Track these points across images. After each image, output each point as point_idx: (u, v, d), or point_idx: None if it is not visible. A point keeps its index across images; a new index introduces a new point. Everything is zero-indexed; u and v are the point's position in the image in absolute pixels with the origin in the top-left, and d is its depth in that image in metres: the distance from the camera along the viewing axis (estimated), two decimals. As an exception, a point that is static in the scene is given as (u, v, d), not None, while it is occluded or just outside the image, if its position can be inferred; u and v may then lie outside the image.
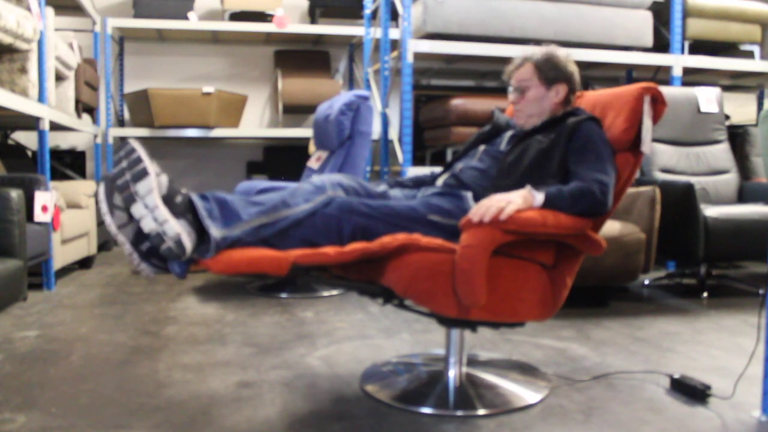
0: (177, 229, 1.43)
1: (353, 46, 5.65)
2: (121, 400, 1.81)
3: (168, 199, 1.48)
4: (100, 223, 4.15)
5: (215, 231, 1.48)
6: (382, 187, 1.98)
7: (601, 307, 3.01)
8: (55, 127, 3.86)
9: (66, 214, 3.50)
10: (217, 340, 2.42)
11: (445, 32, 3.80)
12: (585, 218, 1.71)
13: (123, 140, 5.34)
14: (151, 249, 1.50)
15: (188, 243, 1.45)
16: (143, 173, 1.48)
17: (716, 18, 4.40)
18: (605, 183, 1.73)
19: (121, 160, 1.53)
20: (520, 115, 2.01)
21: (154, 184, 1.47)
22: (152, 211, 1.45)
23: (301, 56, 5.50)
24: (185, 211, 1.49)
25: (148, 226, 1.45)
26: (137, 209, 1.46)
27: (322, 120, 3.63)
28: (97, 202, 3.97)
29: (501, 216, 1.56)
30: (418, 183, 2.08)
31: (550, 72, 1.96)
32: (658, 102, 1.87)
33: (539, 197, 1.66)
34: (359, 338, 2.47)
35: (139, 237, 1.50)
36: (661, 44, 4.37)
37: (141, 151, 1.51)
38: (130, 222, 1.50)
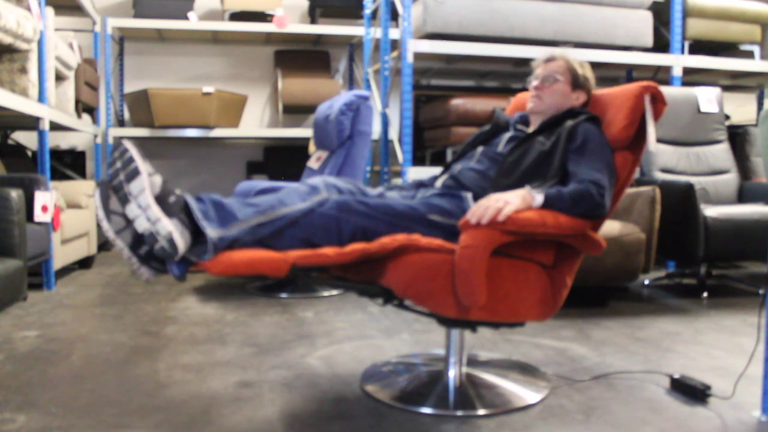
0: (169, 227, 1.44)
1: (353, 46, 5.65)
2: (121, 400, 1.81)
3: (161, 199, 1.48)
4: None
5: (211, 231, 1.48)
6: (378, 190, 1.98)
7: (601, 307, 3.01)
8: (55, 127, 3.86)
9: (66, 214, 3.50)
10: (217, 340, 2.42)
11: (445, 32, 3.80)
12: (583, 220, 1.71)
13: (122, 140, 5.34)
14: (150, 252, 1.50)
15: (180, 242, 1.44)
16: (135, 172, 1.48)
17: (716, 18, 4.40)
18: (602, 185, 1.73)
19: (116, 161, 1.54)
20: (539, 103, 2.04)
21: (146, 183, 1.47)
22: (145, 210, 1.45)
23: (301, 56, 5.50)
24: (179, 210, 1.49)
25: (141, 226, 1.45)
26: (131, 209, 1.46)
27: (322, 120, 3.63)
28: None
29: (499, 217, 1.56)
30: (417, 185, 2.08)
31: (580, 77, 2.04)
32: (657, 101, 1.87)
33: (539, 198, 1.66)
34: (359, 338, 2.47)
35: (136, 241, 1.50)
36: (661, 44, 4.37)
37: (133, 151, 1.52)
38: (127, 226, 1.50)
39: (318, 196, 1.67)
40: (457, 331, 1.91)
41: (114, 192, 1.50)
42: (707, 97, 3.76)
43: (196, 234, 1.50)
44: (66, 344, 2.35)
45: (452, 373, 1.92)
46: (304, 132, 4.99)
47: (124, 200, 1.48)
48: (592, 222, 1.75)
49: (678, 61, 4.22)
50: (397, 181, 4.10)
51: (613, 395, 1.88)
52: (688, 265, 3.61)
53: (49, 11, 3.50)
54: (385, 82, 4.27)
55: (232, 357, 2.22)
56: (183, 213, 1.50)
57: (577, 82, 2.03)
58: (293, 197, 1.64)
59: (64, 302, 3.04)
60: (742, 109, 5.78)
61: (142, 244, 1.50)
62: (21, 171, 3.70)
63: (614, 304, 3.07)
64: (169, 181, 1.55)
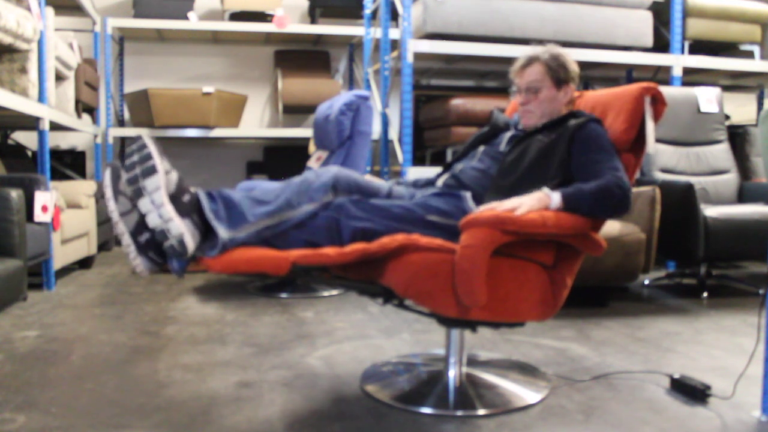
0: (181, 229, 1.44)
1: (353, 46, 5.65)
2: (121, 400, 1.81)
3: (175, 198, 1.49)
4: (100, 223, 4.14)
5: (223, 232, 1.49)
6: (387, 185, 1.96)
7: (601, 307, 3.01)
8: (55, 127, 3.86)
9: (66, 214, 3.50)
10: (217, 340, 2.42)
11: (445, 32, 3.80)
12: (606, 218, 1.72)
13: (123, 140, 5.34)
14: (150, 241, 1.50)
15: (191, 243, 1.45)
16: (152, 170, 1.49)
17: (716, 18, 4.40)
18: (625, 183, 1.71)
19: (133, 154, 1.54)
20: (531, 116, 1.98)
21: (162, 182, 1.48)
22: (158, 208, 1.46)
23: (301, 56, 5.50)
24: (191, 210, 1.50)
25: (153, 221, 1.46)
26: (144, 204, 1.47)
27: (322, 120, 3.63)
28: (97, 201, 3.97)
29: (515, 212, 1.58)
30: (418, 184, 2.08)
31: (560, 72, 1.95)
32: (658, 102, 1.87)
33: (556, 198, 1.65)
34: (359, 338, 2.47)
35: (139, 227, 1.50)
36: (661, 44, 4.36)
37: (152, 148, 1.53)
38: (133, 210, 1.50)
39: (326, 196, 1.68)
40: (457, 331, 1.91)
41: (129, 184, 1.50)
42: (707, 97, 3.76)
43: (204, 231, 1.51)
44: (66, 344, 2.35)
45: (452, 373, 1.92)
46: (304, 132, 4.99)
47: (138, 194, 1.48)
48: (594, 222, 1.75)
49: (678, 61, 4.22)
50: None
51: (613, 395, 1.88)
52: (688, 265, 3.61)
53: (49, 11, 3.50)
54: (385, 82, 4.27)
55: (232, 357, 2.22)
56: (195, 212, 1.51)
57: (559, 80, 1.95)
58: (302, 197, 1.65)
59: (64, 302, 3.03)
60: (742, 109, 5.78)
61: (144, 230, 1.50)
62: (21, 171, 3.71)
63: (614, 304, 3.07)
64: (184, 178, 1.55)
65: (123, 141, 5.35)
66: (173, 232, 1.44)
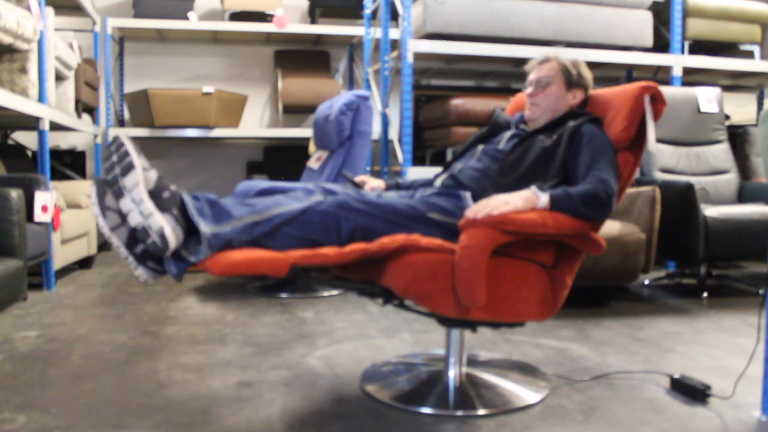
0: (161, 222, 1.44)
1: (353, 46, 5.65)
2: (121, 400, 1.81)
3: (155, 194, 1.48)
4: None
5: (205, 227, 1.48)
6: (376, 190, 1.98)
7: (601, 307, 3.01)
8: (55, 127, 3.86)
9: (66, 214, 3.51)
10: (217, 340, 2.42)
11: (445, 32, 3.80)
12: (588, 222, 1.71)
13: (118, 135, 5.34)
14: (146, 251, 1.50)
15: (172, 237, 1.45)
16: (130, 167, 1.49)
17: (716, 18, 4.40)
18: (611, 188, 1.72)
19: (112, 155, 1.54)
20: (535, 109, 2.02)
21: (140, 177, 1.48)
22: (138, 204, 1.46)
23: (301, 56, 5.50)
24: (172, 206, 1.50)
25: (134, 220, 1.46)
26: (125, 203, 1.47)
27: (322, 120, 3.63)
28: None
29: (494, 212, 1.57)
30: (416, 185, 2.08)
31: (573, 75, 2.02)
32: (657, 101, 1.87)
33: (543, 198, 1.66)
34: (359, 338, 2.47)
35: (132, 239, 1.50)
36: (661, 44, 4.37)
37: (129, 146, 1.53)
38: (123, 223, 1.50)
39: (314, 197, 1.68)
40: (457, 331, 1.91)
41: (109, 186, 1.51)
42: (707, 97, 3.76)
43: (193, 233, 1.50)
44: (66, 344, 2.35)
45: (452, 373, 1.92)
46: (304, 132, 4.99)
47: (119, 194, 1.48)
48: (595, 223, 1.75)
49: (678, 61, 4.22)
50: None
51: (613, 395, 1.88)
52: (688, 265, 3.61)
53: (49, 11, 3.50)
54: (385, 82, 4.27)
55: (232, 357, 2.22)
56: (178, 210, 1.50)
57: (571, 82, 2.01)
58: (288, 200, 1.66)
59: (64, 302, 3.04)
60: (742, 109, 5.78)
61: (137, 242, 1.50)
62: (21, 171, 3.70)
63: (614, 304, 3.07)
64: (165, 177, 1.56)
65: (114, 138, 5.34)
66: (154, 227, 1.43)
